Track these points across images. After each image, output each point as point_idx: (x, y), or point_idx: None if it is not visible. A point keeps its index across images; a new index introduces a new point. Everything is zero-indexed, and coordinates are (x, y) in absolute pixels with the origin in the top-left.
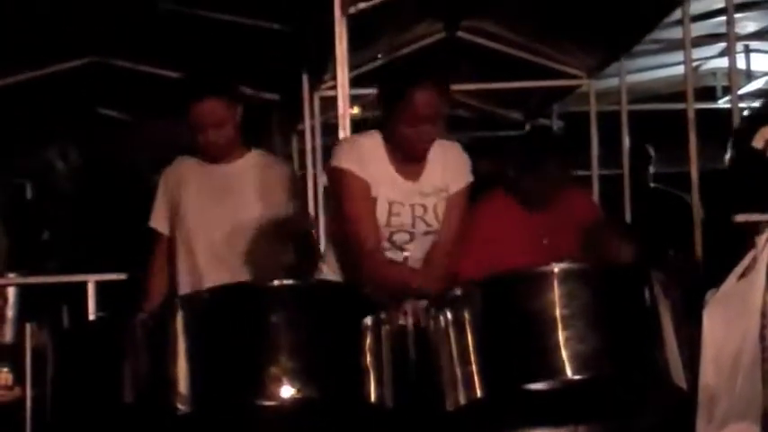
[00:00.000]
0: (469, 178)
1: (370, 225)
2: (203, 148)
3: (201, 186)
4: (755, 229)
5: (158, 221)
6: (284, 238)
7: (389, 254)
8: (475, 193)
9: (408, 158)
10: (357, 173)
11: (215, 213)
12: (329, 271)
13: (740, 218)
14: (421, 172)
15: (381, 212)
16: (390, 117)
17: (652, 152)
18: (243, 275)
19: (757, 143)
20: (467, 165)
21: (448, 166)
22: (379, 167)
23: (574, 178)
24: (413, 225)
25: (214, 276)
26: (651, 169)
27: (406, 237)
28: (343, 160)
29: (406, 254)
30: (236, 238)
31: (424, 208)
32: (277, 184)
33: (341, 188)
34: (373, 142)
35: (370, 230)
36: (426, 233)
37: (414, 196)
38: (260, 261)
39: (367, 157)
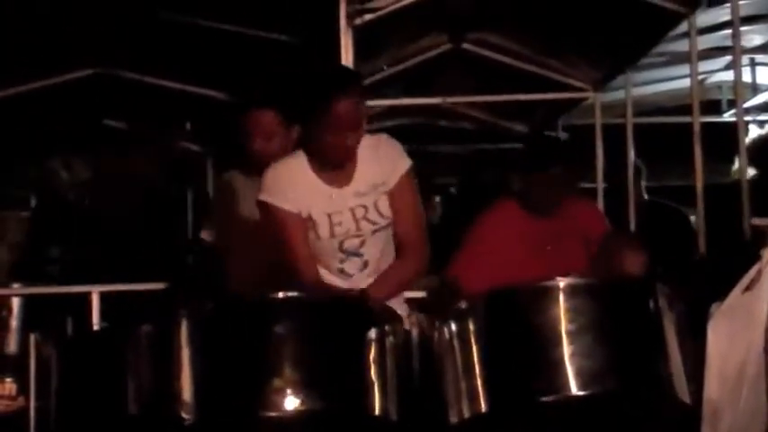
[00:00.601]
0: (407, 163)
1: (304, 254)
2: (249, 157)
3: (248, 198)
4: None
5: (209, 233)
6: None
7: (347, 264)
8: (479, 203)
9: (334, 166)
10: (280, 204)
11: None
12: None
13: (756, 221)
14: (352, 174)
15: (323, 227)
16: (313, 128)
17: (642, 166)
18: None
19: None
20: (400, 152)
21: (381, 161)
22: (307, 187)
23: (579, 186)
24: (357, 228)
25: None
26: (643, 183)
27: (356, 241)
28: (266, 193)
29: (364, 258)
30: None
31: (365, 208)
32: None
33: (269, 220)
34: (295, 163)
35: (305, 260)
36: (375, 231)
37: (350, 200)
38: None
39: (289, 184)
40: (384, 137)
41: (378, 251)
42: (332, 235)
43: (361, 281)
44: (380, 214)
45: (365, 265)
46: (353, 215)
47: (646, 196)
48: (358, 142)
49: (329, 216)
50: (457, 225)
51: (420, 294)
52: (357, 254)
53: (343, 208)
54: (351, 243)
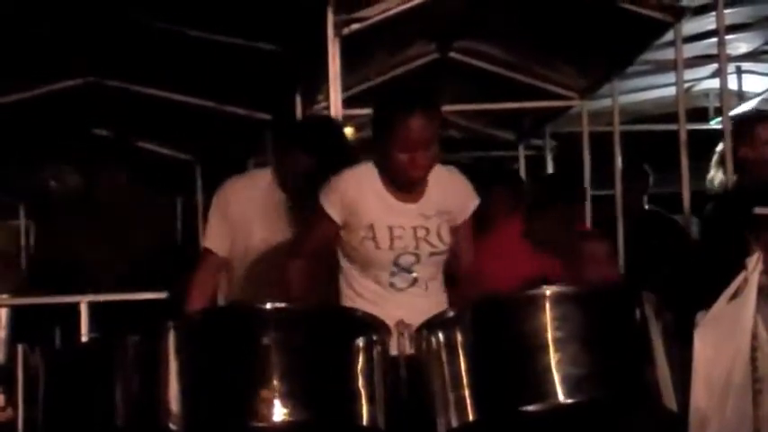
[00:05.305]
0: (476, 202)
1: (308, 249)
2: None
3: (273, 210)
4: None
5: (213, 241)
6: None
7: (396, 278)
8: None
9: (405, 186)
10: (330, 212)
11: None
12: None
13: (759, 210)
14: (421, 195)
15: (383, 238)
16: (383, 145)
17: (650, 172)
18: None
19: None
20: (472, 190)
21: (450, 192)
22: (373, 196)
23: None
24: (416, 247)
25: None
26: (647, 190)
27: (412, 258)
28: (324, 198)
29: (414, 275)
30: None
31: (427, 230)
32: None
33: (312, 216)
34: (364, 173)
35: (307, 253)
36: (431, 254)
37: (414, 218)
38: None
39: (351, 197)
40: (455, 171)
41: (429, 273)
42: (391, 247)
43: (410, 297)
44: (441, 239)
45: (414, 281)
46: (415, 233)
47: (646, 206)
48: (426, 164)
49: (390, 229)
50: None
51: None
52: (409, 270)
53: (406, 224)
54: (406, 259)
